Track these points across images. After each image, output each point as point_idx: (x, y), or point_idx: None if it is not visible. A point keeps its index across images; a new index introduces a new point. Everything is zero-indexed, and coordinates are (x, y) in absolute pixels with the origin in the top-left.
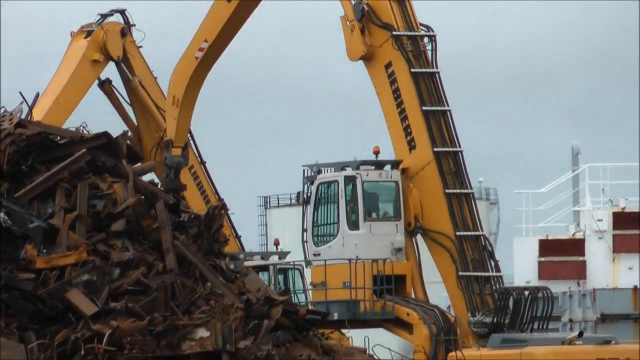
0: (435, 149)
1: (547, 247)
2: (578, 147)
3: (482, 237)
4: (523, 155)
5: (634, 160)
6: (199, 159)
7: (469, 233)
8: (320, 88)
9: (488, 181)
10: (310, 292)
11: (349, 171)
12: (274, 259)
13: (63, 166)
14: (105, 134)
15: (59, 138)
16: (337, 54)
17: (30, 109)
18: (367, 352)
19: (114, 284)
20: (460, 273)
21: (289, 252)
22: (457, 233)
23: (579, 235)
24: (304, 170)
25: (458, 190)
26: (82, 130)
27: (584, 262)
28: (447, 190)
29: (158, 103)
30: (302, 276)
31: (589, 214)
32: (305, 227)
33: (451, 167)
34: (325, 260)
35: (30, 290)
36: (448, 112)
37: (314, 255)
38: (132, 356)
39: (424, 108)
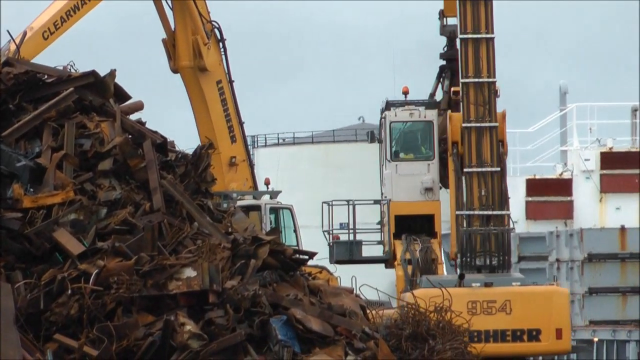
0: (462, 80)
1: (535, 186)
2: (566, 87)
3: (496, 173)
4: (511, 94)
5: (621, 100)
6: (228, 76)
7: (480, 169)
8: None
9: None
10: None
11: (385, 112)
12: (265, 198)
13: (50, 105)
14: (93, 73)
15: (46, 77)
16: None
17: (18, 47)
18: (355, 292)
19: (101, 224)
20: (457, 212)
21: (280, 192)
22: (465, 169)
23: (566, 175)
24: (381, 110)
25: (477, 124)
26: (70, 69)
27: (571, 201)
28: (463, 124)
29: (200, 8)
30: (293, 216)
31: (576, 153)
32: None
33: (482, 97)
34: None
35: (17, 229)
36: (491, 40)
37: (382, 194)
38: (119, 296)
39: (460, 36)
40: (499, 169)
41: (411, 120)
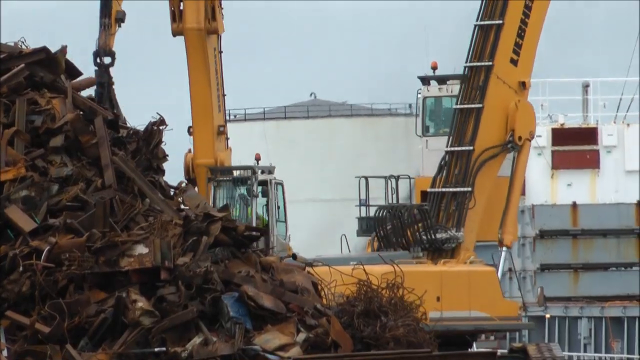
0: (464, 64)
1: None
2: None
3: (470, 152)
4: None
5: (572, 76)
6: (219, 45)
7: (457, 148)
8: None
9: None
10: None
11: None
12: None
13: (1, 81)
14: (44, 49)
15: None
16: None
17: None
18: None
19: (53, 200)
20: (429, 189)
21: (274, 167)
22: (445, 148)
23: None
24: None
25: (463, 106)
26: (21, 46)
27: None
28: (453, 106)
29: None
30: (284, 191)
31: None
32: None
33: (477, 81)
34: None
35: None
36: (500, 26)
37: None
38: (71, 272)
39: (474, 23)
40: (471, 147)
41: (440, 96)
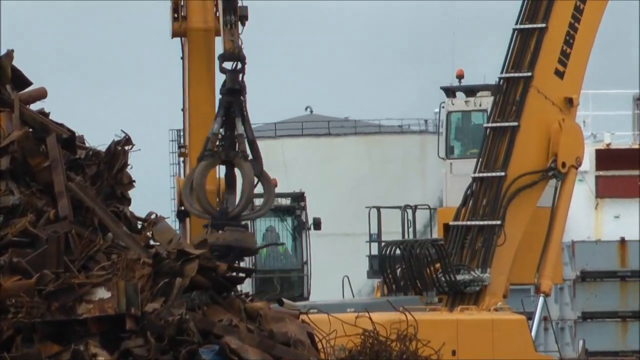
0: (499, 75)
1: None
2: None
3: (501, 179)
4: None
5: (622, 87)
6: None
7: (486, 174)
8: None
9: None
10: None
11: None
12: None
13: None
14: None
15: None
16: None
17: None
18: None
19: None
20: (451, 223)
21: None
22: (472, 175)
23: None
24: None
25: (496, 124)
26: None
27: None
28: (484, 124)
29: None
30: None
31: None
32: None
33: (516, 95)
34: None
35: None
36: (542, 30)
37: None
38: (18, 321)
39: (513, 27)
40: (503, 173)
41: (468, 110)
